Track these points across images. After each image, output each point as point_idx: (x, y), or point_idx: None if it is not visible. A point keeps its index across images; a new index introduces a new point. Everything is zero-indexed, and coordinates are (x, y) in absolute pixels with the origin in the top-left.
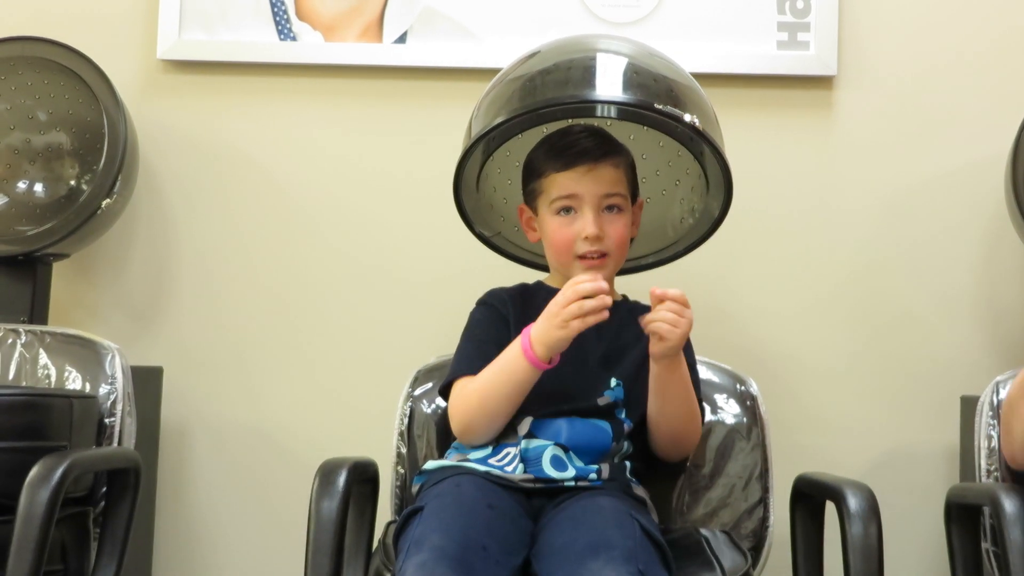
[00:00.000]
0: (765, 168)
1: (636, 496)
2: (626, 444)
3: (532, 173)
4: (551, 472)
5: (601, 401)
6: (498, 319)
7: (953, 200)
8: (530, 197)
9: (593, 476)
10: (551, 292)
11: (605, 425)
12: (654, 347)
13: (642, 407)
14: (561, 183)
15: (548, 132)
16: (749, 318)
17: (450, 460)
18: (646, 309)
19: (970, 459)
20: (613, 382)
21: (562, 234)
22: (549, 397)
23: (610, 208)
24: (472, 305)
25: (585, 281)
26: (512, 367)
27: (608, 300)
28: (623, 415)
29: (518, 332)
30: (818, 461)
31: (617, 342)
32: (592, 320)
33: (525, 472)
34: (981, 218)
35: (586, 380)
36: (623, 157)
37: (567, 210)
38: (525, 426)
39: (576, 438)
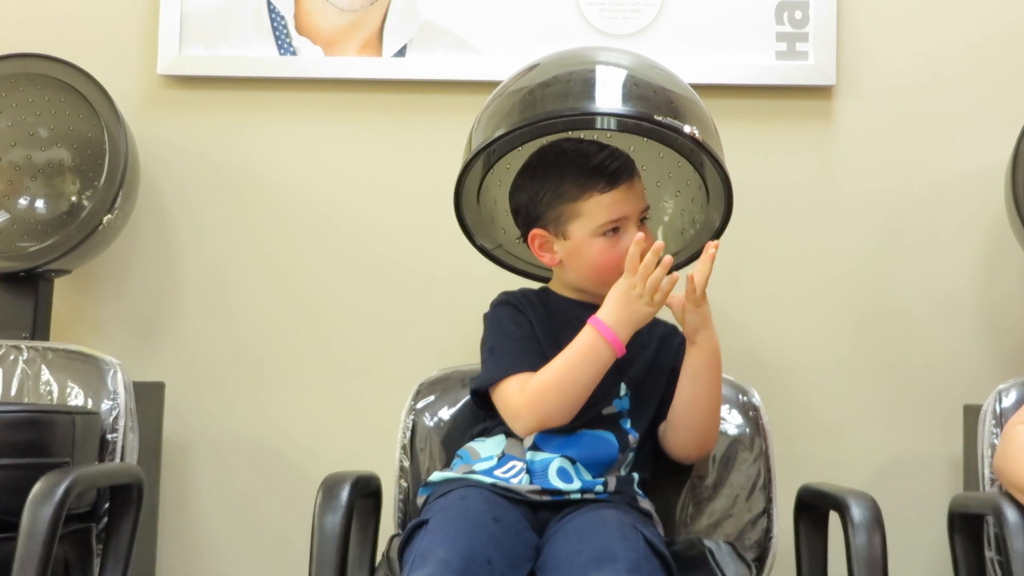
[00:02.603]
0: (765, 178)
1: (642, 509)
2: (631, 455)
3: (560, 198)
4: (557, 484)
5: (606, 411)
6: (524, 319)
7: (953, 209)
8: (557, 222)
9: (599, 489)
10: (561, 299)
11: (610, 436)
12: (690, 312)
13: (648, 417)
14: (607, 204)
15: (542, 153)
16: (750, 328)
17: (455, 472)
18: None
19: (973, 468)
20: (623, 390)
21: (611, 254)
22: None
23: (642, 221)
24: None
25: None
26: (591, 355)
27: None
28: (628, 425)
29: (542, 333)
30: (821, 471)
31: (627, 352)
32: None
33: (531, 484)
34: (982, 226)
35: (600, 388)
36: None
37: (614, 230)
38: (530, 438)
39: (582, 450)
